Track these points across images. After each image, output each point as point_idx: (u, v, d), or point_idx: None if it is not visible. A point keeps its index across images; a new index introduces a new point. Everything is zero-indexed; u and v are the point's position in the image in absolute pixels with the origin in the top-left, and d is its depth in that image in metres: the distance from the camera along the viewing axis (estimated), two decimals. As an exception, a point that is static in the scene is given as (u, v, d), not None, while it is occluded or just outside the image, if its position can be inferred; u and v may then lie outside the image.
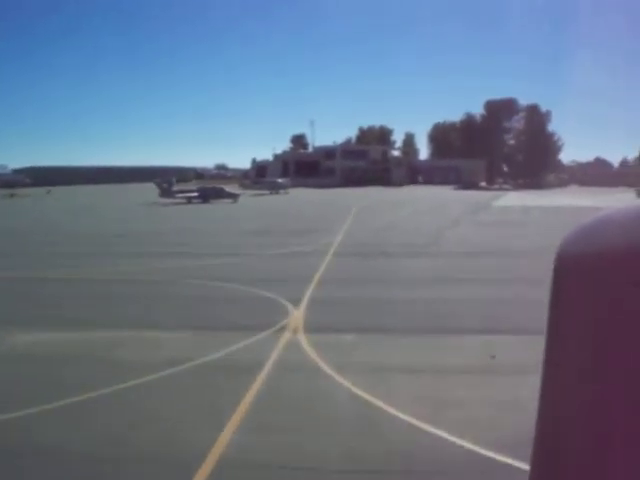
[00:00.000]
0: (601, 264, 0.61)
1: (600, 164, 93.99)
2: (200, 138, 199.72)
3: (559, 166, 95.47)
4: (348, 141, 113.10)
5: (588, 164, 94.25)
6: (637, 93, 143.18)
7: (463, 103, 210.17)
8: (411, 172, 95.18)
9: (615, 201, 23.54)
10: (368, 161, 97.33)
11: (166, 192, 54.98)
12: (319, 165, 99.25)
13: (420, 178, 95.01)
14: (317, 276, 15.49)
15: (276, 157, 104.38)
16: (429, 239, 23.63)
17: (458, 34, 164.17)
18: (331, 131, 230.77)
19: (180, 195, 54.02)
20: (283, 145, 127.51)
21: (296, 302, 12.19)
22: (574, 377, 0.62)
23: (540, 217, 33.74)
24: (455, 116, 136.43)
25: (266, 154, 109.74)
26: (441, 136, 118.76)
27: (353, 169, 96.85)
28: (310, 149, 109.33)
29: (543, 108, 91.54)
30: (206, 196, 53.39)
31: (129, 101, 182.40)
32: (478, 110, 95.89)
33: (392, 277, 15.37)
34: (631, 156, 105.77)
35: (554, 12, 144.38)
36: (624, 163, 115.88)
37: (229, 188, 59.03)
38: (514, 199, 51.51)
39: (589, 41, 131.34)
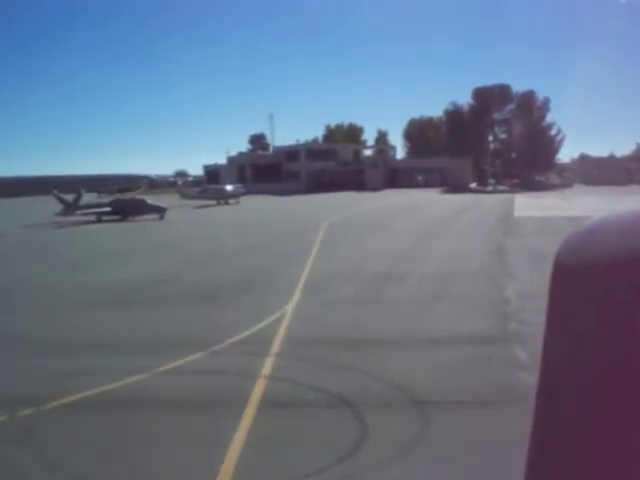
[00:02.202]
0: (598, 269, 0.60)
1: (604, 161, 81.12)
2: (161, 144, 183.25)
3: (559, 163, 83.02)
4: (314, 141, 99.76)
5: (592, 160, 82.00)
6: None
7: (441, 98, 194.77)
8: (388, 174, 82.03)
9: None
10: (338, 162, 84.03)
11: (70, 207, 40.85)
12: (281, 168, 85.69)
13: (398, 180, 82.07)
14: None
15: (230, 160, 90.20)
16: (491, 319, 10.35)
17: (438, 20, 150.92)
18: (295, 131, 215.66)
19: (87, 211, 39.93)
20: (242, 147, 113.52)
21: None
22: (572, 383, 0.62)
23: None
24: (433, 111, 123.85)
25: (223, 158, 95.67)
26: (418, 133, 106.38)
27: (321, 172, 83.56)
28: (271, 150, 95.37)
29: (540, 95, 79.42)
30: (122, 212, 39.51)
31: (84, 107, 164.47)
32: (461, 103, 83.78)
33: None
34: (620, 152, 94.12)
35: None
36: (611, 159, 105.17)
37: (159, 200, 45.25)
38: (532, 206, 38.39)
39: (593, 24, 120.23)
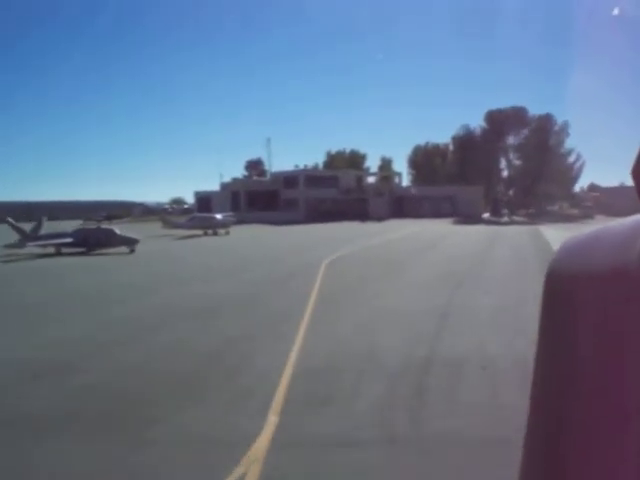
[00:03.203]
0: (592, 281, 0.60)
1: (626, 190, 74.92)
2: (161, 170, 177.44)
3: (578, 192, 76.90)
4: (315, 167, 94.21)
5: (612, 189, 75.89)
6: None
7: (448, 125, 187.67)
8: (393, 202, 76.08)
9: None
10: (339, 190, 78.15)
11: (27, 237, 34.81)
12: (278, 195, 79.88)
13: (405, 210, 76.09)
14: None
15: (223, 187, 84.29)
16: None
17: (445, 40, 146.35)
18: (294, 158, 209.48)
19: (45, 242, 33.83)
20: (239, 174, 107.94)
21: None
22: (564, 395, 0.61)
23: None
24: (439, 138, 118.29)
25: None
26: (424, 160, 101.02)
27: (321, 200, 77.72)
28: (268, 177, 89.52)
29: (559, 119, 72.92)
30: (86, 243, 33.44)
31: (80, 131, 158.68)
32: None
33: None
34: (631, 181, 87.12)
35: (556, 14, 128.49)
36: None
37: (142, 229, 39.28)
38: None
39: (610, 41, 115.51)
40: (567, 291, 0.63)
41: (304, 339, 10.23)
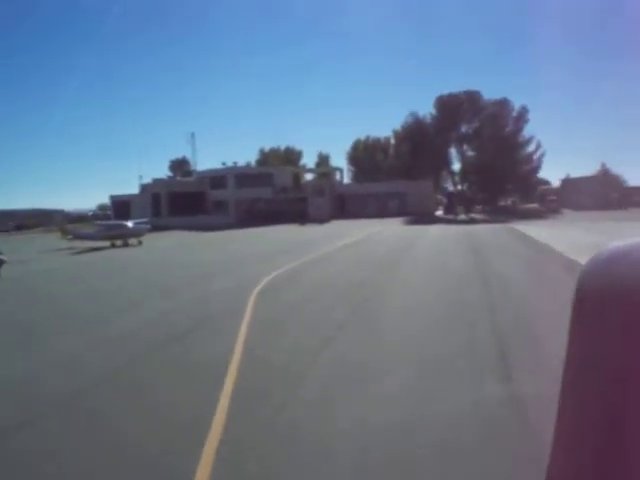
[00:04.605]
0: (623, 297, 0.60)
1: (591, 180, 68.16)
2: (91, 175, 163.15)
3: (539, 183, 70.72)
4: (247, 166, 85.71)
5: (576, 181, 69.88)
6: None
7: (389, 118, 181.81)
8: (335, 201, 68.45)
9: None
10: (274, 189, 69.93)
11: None
12: (205, 197, 71.03)
13: (348, 209, 68.51)
14: None
15: (143, 189, 74.59)
16: None
17: (384, 32, 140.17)
18: (225, 157, 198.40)
19: None
20: (163, 175, 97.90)
21: None
22: (593, 409, 0.61)
23: None
24: (380, 132, 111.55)
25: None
26: (364, 156, 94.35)
27: (253, 201, 69.41)
28: (194, 176, 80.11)
29: (516, 104, 65.71)
30: None
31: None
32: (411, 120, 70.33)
33: None
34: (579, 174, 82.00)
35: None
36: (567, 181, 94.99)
37: (42, 240, 29.97)
38: (577, 247, 24.60)
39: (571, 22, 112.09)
40: (598, 306, 0.62)
41: None
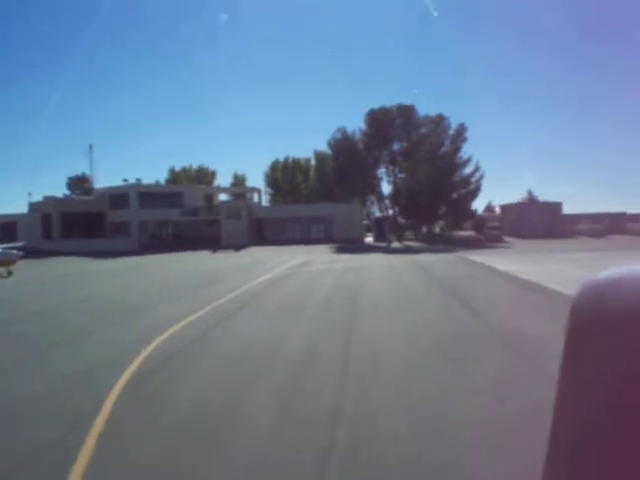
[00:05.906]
0: (617, 323, 0.60)
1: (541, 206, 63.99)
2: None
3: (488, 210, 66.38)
4: (153, 184, 77.49)
5: (519, 204, 65.95)
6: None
7: (310, 140, 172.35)
8: (252, 225, 61.70)
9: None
10: (184, 210, 62.44)
11: None
12: (103, 218, 62.49)
13: (267, 234, 61.99)
14: None
15: (33, 208, 65.00)
16: None
17: (300, 39, 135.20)
18: (131, 177, 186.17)
19: None
20: (59, 193, 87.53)
21: None
22: (584, 433, 0.61)
23: None
24: (302, 153, 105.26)
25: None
26: (283, 177, 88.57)
27: (160, 223, 61.70)
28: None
29: (453, 121, 61.32)
30: None
31: None
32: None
33: None
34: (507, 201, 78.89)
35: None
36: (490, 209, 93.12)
37: None
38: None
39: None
40: (592, 331, 0.63)
41: None
